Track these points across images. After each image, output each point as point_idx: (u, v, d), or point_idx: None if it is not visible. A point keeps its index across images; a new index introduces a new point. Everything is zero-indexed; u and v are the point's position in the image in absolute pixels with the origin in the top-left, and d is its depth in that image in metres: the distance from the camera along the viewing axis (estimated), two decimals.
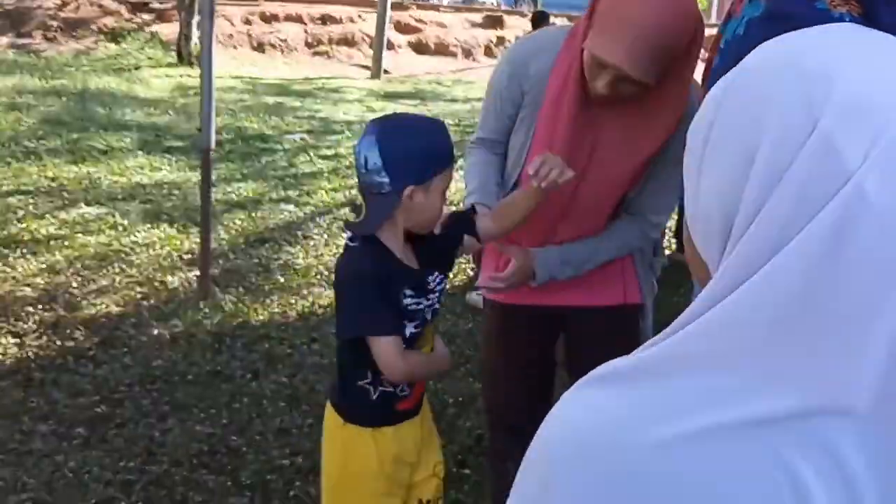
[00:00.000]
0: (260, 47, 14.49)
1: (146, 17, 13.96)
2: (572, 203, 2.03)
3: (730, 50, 1.57)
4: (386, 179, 1.78)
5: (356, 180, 1.88)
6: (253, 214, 6.08)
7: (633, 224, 2.10)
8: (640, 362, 0.67)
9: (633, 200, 2.08)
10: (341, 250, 1.94)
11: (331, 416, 2.05)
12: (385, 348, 1.84)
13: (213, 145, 4.43)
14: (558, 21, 12.37)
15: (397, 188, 1.80)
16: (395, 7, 15.39)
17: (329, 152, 8.16)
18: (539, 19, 9.76)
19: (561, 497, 0.65)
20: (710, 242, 0.69)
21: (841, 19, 1.37)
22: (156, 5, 14.16)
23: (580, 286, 2.16)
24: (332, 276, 4.86)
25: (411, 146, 1.81)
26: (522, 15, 17.70)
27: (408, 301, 1.90)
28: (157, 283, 4.69)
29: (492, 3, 21.94)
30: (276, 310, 4.52)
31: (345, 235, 1.95)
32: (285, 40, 14.80)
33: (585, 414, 0.67)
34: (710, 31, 1.88)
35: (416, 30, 16.25)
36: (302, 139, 8.62)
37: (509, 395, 2.37)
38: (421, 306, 1.94)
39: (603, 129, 1.95)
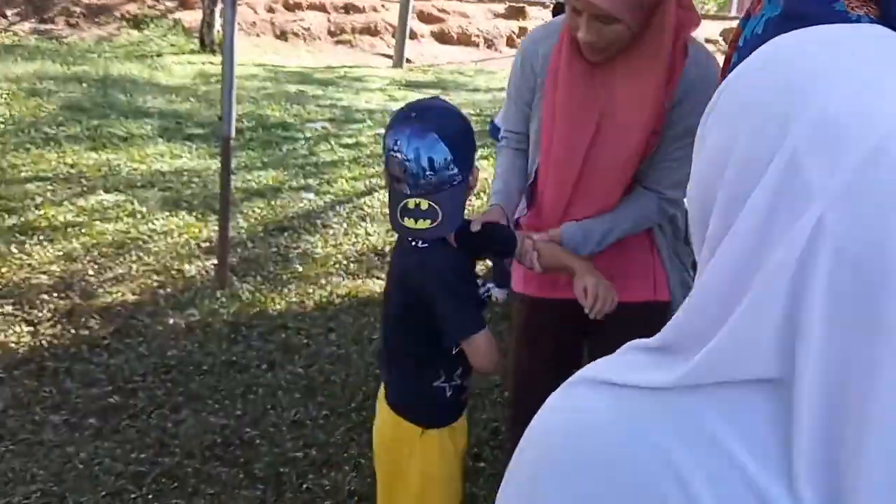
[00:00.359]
0: (283, 35, 14.44)
1: (169, 4, 13.93)
2: (585, 177, 2.01)
3: (748, 47, 1.52)
4: (455, 171, 1.74)
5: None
6: (272, 203, 6.03)
7: (648, 196, 2.05)
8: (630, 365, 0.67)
9: (646, 174, 2.05)
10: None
11: (402, 429, 2.00)
12: (484, 341, 1.81)
13: (233, 134, 4.37)
14: None
15: (466, 174, 1.78)
16: None
17: (350, 141, 8.09)
18: (559, 10, 9.65)
19: (544, 498, 0.65)
20: (694, 233, 0.70)
21: (858, 21, 1.31)
22: None
23: (619, 279, 2.11)
24: (351, 266, 4.90)
25: (464, 128, 1.80)
26: (544, 6, 17.58)
27: (481, 290, 1.90)
28: (173, 272, 4.65)
29: None
30: (294, 299, 4.46)
31: (411, 241, 1.87)
32: (308, 28, 14.74)
33: (571, 417, 0.67)
34: (730, 25, 1.83)
35: (438, 19, 16.13)
36: (323, 128, 8.56)
37: (537, 390, 2.31)
38: (488, 293, 1.93)
39: (605, 99, 1.94)
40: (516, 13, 17.27)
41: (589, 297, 1.87)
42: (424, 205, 1.73)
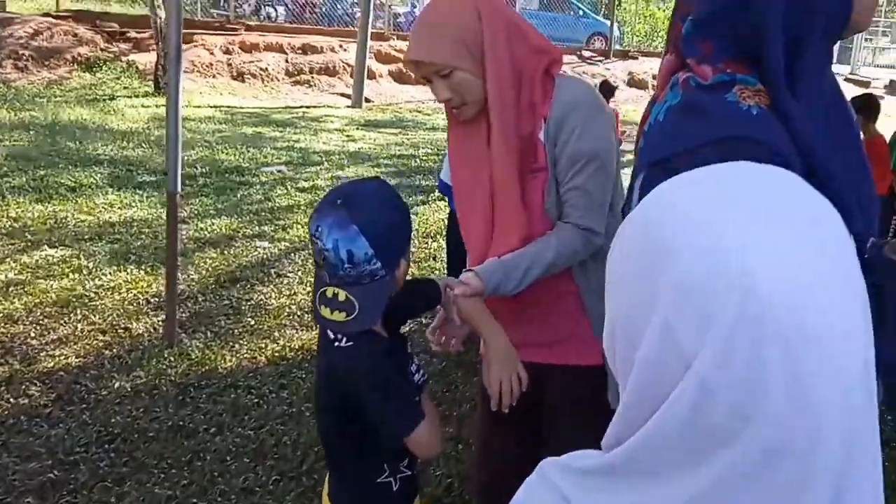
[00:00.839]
0: (240, 76, 14.36)
1: (123, 46, 13.80)
2: (497, 230, 2.02)
3: (652, 133, 1.57)
4: (378, 265, 1.62)
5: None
6: (225, 252, 5.92)
7: (564, 226, 2.00)
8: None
9: (559, 210, 2.02)
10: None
11: None
12: (425, 434, 1.71)
13: (179, 189, 4.26)
14: None
15: (392, 269, 1.67)
16: (375, 37, 15.35)
17: (307, 184, 8.02)
18: None
19: None
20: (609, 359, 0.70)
21: (749, 111, 1.37)
22: (133, 34, 14.01)
23: (559, 344, 2.11)
24: (305, 317, 4.78)
25: (394, 222, 1.69)
26: None
27: (416, 377, 1.81)
28: (121, 330, 4.51)
29: None
30: (245, 354, 4.35)
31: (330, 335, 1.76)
32: (266, 69, 14.69)
33: None
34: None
35: (396, 59, 16.19)
36: (279, 171, 8.47)
37: (499, 453, 2.30)
38: (424, 377, 1.84)
39: (486, 151, 1.99)
40: None
41: (493, 387, 1.88)
42: (342, 296, 1.62)
